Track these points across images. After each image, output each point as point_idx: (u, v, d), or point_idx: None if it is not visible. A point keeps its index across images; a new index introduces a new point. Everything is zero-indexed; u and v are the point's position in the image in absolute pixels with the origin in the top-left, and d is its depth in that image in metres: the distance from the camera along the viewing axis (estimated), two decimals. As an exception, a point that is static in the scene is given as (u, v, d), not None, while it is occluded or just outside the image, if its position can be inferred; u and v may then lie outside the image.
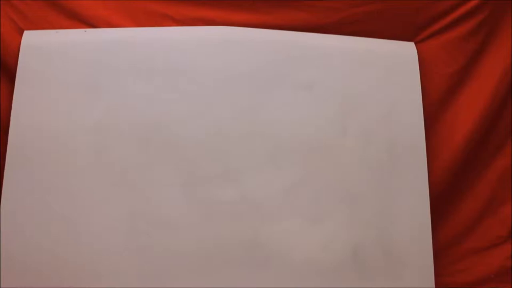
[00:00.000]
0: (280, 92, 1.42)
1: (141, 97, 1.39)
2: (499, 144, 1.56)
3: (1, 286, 1.30)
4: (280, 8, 1.47)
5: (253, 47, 1.44)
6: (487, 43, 1.52)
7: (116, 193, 1.36)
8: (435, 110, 1.52)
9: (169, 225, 1.36)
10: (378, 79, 1.46)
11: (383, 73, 1.46)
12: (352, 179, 1.42)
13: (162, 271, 1.35)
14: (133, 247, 1.35)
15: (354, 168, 1.42)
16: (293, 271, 1.38)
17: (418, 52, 1.48)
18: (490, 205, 1.55)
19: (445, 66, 1.51)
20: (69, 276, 1.34)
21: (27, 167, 1.35)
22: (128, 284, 1.34)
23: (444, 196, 1.53)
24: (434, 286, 1.40)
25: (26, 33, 1.41)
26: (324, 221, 1.40)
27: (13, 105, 1.37)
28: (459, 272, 1.52)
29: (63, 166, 1.36)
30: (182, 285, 1.35)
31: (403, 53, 1.48)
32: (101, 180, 1.36)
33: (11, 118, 1.36)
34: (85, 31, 1.44)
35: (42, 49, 1.40)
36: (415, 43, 1.50)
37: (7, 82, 1.41)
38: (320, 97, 1.43)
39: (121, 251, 1.35)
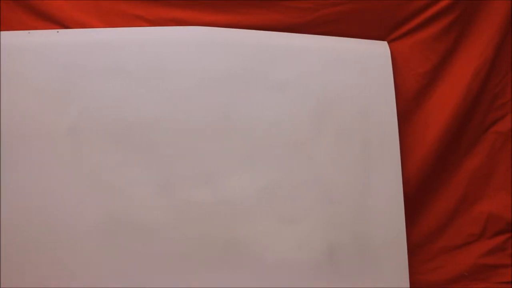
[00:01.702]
0: (254, 92, 1.42)
1: (115, 98, 1.38)
2: (471, 142, 1.57)
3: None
4: (253, 8, 1.47)
5: (227, 48, 1.43)
6: (459, 42, 1.52)
7: (91, 194, 1.36)
8: (408, 109, 1.53)
9: (145, 226, 1.36)
10: (352, 78, 1.46)
11: (357, 72, 1.46)
12: (327, 179, 1.42)
13: (138, 272, 1.35)
14: (110, 248, 1.35)
15: (329, 167, 1.43)
16: (269, 271, 1.39)
17: (391, 52, 1.48)
18: (463, 204, 1.56)
19: (418, 65, 1.52)
20: (45, 276, 1.34)
21: (4, 169, 1.34)
22: (104, 284, 1.34)
23: (418, 195, 1.54)
24: (408, 285, 1.40)
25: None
26: (299, 221, 1.41)
27: (-14, 106, 1.36)
28: (433, 270, 1.53)
29: (38, 168, 1.35)
30: (158, 285, 1.35)
31: (377, 53, 1.49)
32: (77, 182, 1.36)
33: (-15, 119, 1.35)
34: (57, 31, 1.43)
35: (14, 50, 1.39)
36: (388, 43, 1.51)
37: (-22, 83, 1.40)
38: (294, 97, 1.43)
39: (97, 252, 1.35)
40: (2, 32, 1.41)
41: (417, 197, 1.53)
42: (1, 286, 1.32)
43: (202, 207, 1.38)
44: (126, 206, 1.36)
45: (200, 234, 1.37)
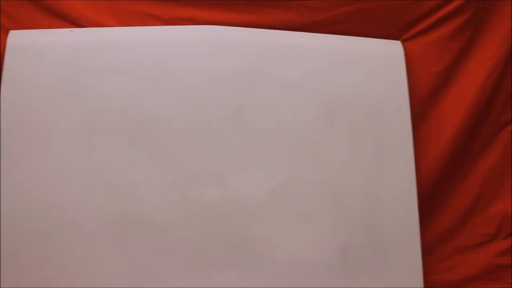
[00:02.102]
0: (266, 91, 1.42)
1: (127, 97, 1.38)
2: (485, 142, 1.56)
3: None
4: (266, 7, 1.47)
5: (239, 47, 1.43)
6: (473, 42, 1.52)
7: (102, 193, 1.35)
8: (421, 109, 1.52)
9: (156, 225, 1.36)
10: (365, 78, 1.46)
11: (370, 72, 1.46)
12: (340, 178, 1.42)
13: (149, 271, 1.35)
14: (120, 247, 1.35)
15: (342, 167, 1.42)
16: (281, 270, 1.38)
17: (404, 51, 1.48)
18: (477, 203, 1.56)
19: (431, 65, 1.51)
20: (55, 276, 1.33)
21: (14, 168, 1.34)
22: (115, 284, 1.33)
23: (431, 195, 1.53)
24: (422, 284, 1.40)
25: (12, 33, 1.40)
26: (311, 220, 1.40)
27: (-1, 105, 1.36)
28: (447, 270, 1.52)
29: (49, 167, 1.35)
30: (169, 285, 1.34)
31: (390, 52, 1.48)
32: (87, 180, 1.35)
33: (-3, 117, 1.35)
34: (71, 30, 1.44)
35: (28, 49, 1.39)
36: (401, 42, 1.50)
37: (-8, 82, 1.40)
38: (306, 97, 1.43)
39: (107, 250, 1.34)
40: (16, 31, 1.42)
41: (431, 196, 1.53)
42: (12, 286, 1.32)
43: (212, 206, 1.38)
44: (136, 204, 1.36)
45: (211, 234, 1.37)
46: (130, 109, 1.38)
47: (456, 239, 1.54)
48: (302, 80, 1.43)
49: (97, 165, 1.36)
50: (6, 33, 1.40)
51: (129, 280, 1.34)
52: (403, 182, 1.43)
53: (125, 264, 1.34)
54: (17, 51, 1.38)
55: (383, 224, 1.42)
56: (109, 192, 1.36)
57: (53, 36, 1.42)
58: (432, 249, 1.52)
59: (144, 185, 1.36)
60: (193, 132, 1.39)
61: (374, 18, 1.49)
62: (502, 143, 1.56)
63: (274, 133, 1.41)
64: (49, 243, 1.33)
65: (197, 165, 1.39)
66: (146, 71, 1.40)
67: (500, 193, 1.56)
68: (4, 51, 1.37)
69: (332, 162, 1.42)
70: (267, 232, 1.38)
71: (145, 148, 1.38)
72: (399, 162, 1.44)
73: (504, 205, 1.55)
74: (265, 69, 1.43)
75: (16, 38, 1.40)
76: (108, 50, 1.40)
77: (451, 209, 1.55)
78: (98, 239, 1.34)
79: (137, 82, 1.39)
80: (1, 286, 1.30)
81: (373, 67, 1.47)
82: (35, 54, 1.39)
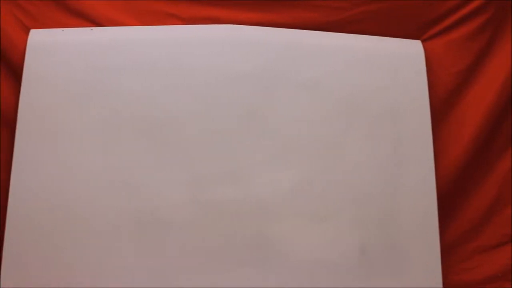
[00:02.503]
0: (285, 91, 1.42)
1: (147, 96, 1.39)
2: (505, 142, 1.55)
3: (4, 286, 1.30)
4: (286, 7, 1.47)
5: (258, 46, 1.44)
6: (493, 41, 1.52)
7: (121, 193, 1.36)
8: (441, 108, 1.52)
9: (174, 225, 1.36)
10: (385, 78, 1.46)
11: (390, 71, 1.46)
12: (359, 178, 1.42)
13: (168, 270, 1.35)
14: (139, 246, 1.35)
15: (360, 166, 1.42)
16: (299, 270, 1.38)
17: (424, 51, 1.48)
18: (497, 204, 1.55)
19: (451, 64, 1.51)
20: (75, 275, 1.33)
21: (34, 166, 1.34)
22: (134, 283, 1.34)
23: (451, 195, 1.52)
24: (441, 285, 1.39)
25: (33, 32, 1.41)
26: (330, 220, 1.40)
27: (19, 103, 1.36)
28: (466, 270, 1.51)
29: (68, 165, 1.36)
30: (188, 284, 1.34)
31: (410, 51, 1.48)
32: (106, 180, 1.36)
33: (18, 116, 1.36)
34: (91, 29, 1.44)
35: (48, 47, 1.40)
36: (421, 42, 1.50)
37: (14, 80, 1.41)
38: (326, 96, 1.43)
39: (127, 250, 1.35)
40: (36, 30, 1.42)
41: (450, 196, 1.52)
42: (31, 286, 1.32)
43: (231, 205, 1.38)
44: (154, 204, 1.36)
45: (229, 233, 1.37)
46: (149, 108, 1.39)
47: (476, 239, 1.53)
48: (320, 79, 1.43)
49: (113, 164, 1.37)
50: (27, 32, 1.41)
51: (144, 279, 1.34)
52: (422, 182, 1.43)
53: (140, 264, 1.35)
54: (37, 50, 1.39)
55: (402, 224, 1.41)
56: (124, 191, 1.36)
57: (73, 35, 1.42)
58: (452, 249, 1.51)
59: (162, 184, 1.37)
60: (210, 132, 1.40)
61: (394, 18, 1.49)
62: (522, 143, 1.56)
63: (292, 132, 1.42)
64: (64, 242, 1.33)
65: (216, 164, 1.39)
66: (165, 70, 1.40)
67: (520, 193, 1.56)
68: (25, 50, 1.38)
69: (351, 162, 1.42)
70: (284, 232, 1.39)
71: (164, 147, 1.38)
72: (418, 162, 1.44)
73: (524, 205, 1.55)
74: (284, 68, 1.43)
75: (36, 37, 1.41)
76: (128, 49, 1.41)
77: (471, 209, 1.54)
78: (114, 238, 1.35)
79: (156, 82, 1.39)
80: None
81: (393, 67, 1.46)
82: (55, 53, 1.40)
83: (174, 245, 1.36)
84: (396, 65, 1.47)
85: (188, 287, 1.34)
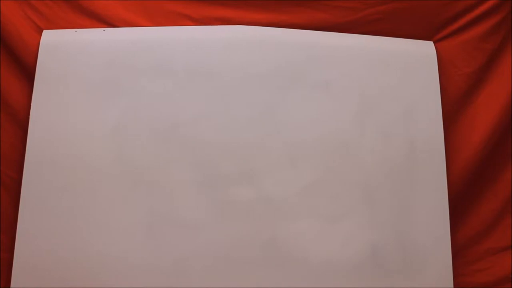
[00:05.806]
0: (298, 92, 1.43)
1: (159, 96, 1.39)
2: (518, 143, 1.55)
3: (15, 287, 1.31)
4: (299, 7, 1.47)
5: (271, 47, 1.44)
6: (506, 42, 1.51)
7: (134, 192, 1.36)
8: (454, 109, 1.52)
9: (187, 225, 1.37)
10: (397, 78, 1.46)
11: (402, 72, 1.46)
12: (371, 179, 1.42)
13: (179, 270, 1.36)
14: (152, 246, 1.36)
15: (373, 167, 1.43)
16: (311, 271, 1.38)
17: (436, 51, 1.48)
18: (509, 205, 1.54)
19: (464, 65, 1.51)
20: (88, 275, 1.34)
21: (46, 166, 1.35)
22: (146, 283, 1.34)
23: (463, 196, 1.52)
24: (452, 286, 1.40)
25: (45, 33, 1.42)
26: (342, 221, 1.40)
27: (32, 103, 1.37)
28: (478, 272, 1.51)
29: (81, 165, 1.36)
30: (199, 285, 1.35)
31: (422, 52, 1.48)
32: (120, 180, 1.36)
33: (30, 116, 1.37)
34: (103, 30, 1.44)
35: (61, 48, 1.40)
36: (434, 42, 1.50)
37: (26, 81, 1.42)
38: (338, 97, 1.43)
39: (140, 250, 1.35)
40: (49, 31, 1.43)
41: (462, 198, 1.52)
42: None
43: (244, 206, 1.38)
44: (168, 204, 1.37)
45: (242, 233, 1.38)
46: (162, 108, 1.39)
47: (488, 241, 1.53)
48: (334, 80, 1.44)
49: (129, 163, 1.37)
50: (40, 33, 1.41)
51: (160, 279, 1.35)
52: (434, 183, 1.43)
53: (154, 264, 1.35)
54: (50, 50, 1.40)
55: (414, 225, 1.42)
56: (140, 191, 1.36)
57: (86, 35, 1.43)
58: (463, 250, 1.51)
59: (176, 184, 1.37)
60: (225, 132, 1.40)
61: (407, 18, 1.48)
62: (534, 145, 1.55)
63: (306, 133, 1.42)
64: (76, 243, 1.34)
65: (230, 164, 1.39)
66: (178, 71, 1.41)
67: (531, 195, 1.55)
68: (38, 50, 1.38)
69: (364, 162, 1.42)
70: (298, 232, 1.39)
71: (177, 148, 1.38)
72: (430, 163, 1.44)
73: (535, 207, 1.55)
74: (298, 69, 1.43)
75: (49, 37, 1.41)
76: (140, 50, 1.41)
77: (482, 211, 1.54)
78: (129, 238, 1.35)
79: (169, 82, 1.40)
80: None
81: (406, 68, 1.46)
82: (67, 54, 1.40)
83: (187, 245, 1.36)
84: (409, 66, 1.47)
85: (201, 287, 1.35)
